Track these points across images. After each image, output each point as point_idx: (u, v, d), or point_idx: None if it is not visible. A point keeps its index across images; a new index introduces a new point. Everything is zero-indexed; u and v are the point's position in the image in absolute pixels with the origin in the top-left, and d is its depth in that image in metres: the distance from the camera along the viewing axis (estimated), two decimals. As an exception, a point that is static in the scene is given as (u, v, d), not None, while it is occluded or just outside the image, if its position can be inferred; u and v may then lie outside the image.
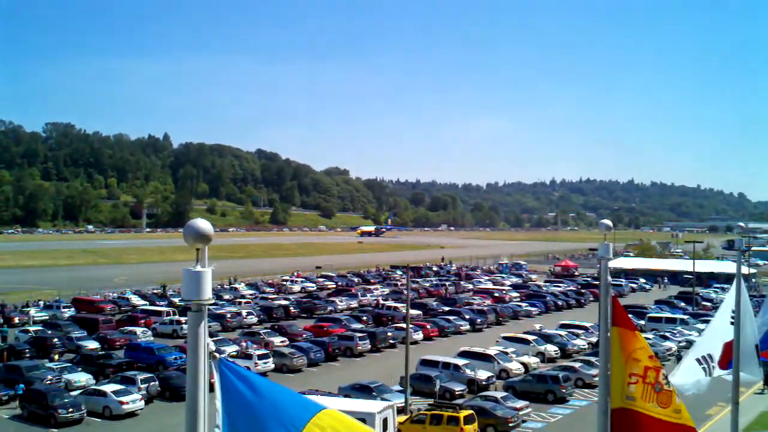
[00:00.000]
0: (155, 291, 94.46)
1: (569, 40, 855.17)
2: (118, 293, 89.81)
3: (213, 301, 5.84)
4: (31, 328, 63.73)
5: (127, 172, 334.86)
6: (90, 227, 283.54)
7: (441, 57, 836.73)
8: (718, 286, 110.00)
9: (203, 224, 5.71)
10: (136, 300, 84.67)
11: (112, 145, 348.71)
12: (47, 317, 72.02)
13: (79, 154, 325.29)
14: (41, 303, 79.78)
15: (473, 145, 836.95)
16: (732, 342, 16.26)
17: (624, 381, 9.59)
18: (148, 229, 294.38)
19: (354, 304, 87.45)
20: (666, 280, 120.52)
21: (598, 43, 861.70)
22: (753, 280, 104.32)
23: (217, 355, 5.86)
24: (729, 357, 16.42)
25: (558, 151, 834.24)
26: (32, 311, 73.40)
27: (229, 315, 72.29)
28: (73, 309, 77.61)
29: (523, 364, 54.68)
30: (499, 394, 44.14)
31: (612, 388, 9.65)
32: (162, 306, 78.72)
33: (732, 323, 16.51)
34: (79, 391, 44.47)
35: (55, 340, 58.98)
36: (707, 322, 74.59)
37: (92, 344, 59.68)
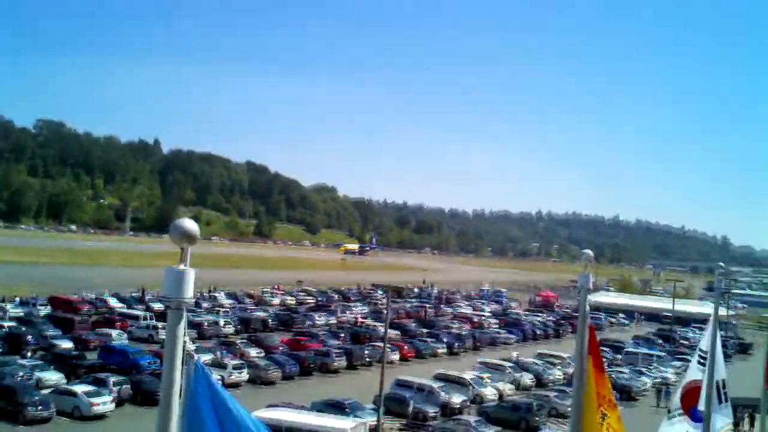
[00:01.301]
0: (134, 294, 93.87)
1: (563, 75, 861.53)
2: (96, 294, 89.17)
3: (193, 301, 5.83)
4: (5, 324, 63.07)
5: (115, 174, 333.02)
6: (73, 226, 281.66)
7: (435, 79, 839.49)
8: (696, 326, 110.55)
9: (189, 224, 5.72)
10: (113, 302, 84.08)
11: (102, 146, 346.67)
12: (22, 314, 71.27)
13: (68, 152, 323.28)
14: (17, 299, 79.06)
15: (462, 172, 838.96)
16: (690, 383, 16.30)
17: (595, 416, 9.64)
18: (131, 233, 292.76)
19: (333, 320, 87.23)
20: (642, 317, 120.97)
21: (590, 78, 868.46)
22: (732, 322, 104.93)
23: (195, 355, 5.83)
24: (691, 401, 16.35)
25: (545, 183, 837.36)
26: (9, 307, 72.73)
27: (206, 323, 71.97)
28: (49, 307, 76.99)
29: (497, 390, 54.72)
30: (472, 419, 44.16)
31: (590, 416, 9.70)
32: (139, 310, 78.23)
33: (700, 363, 16.48)
34: (49, 390, 44.08)
35: (29, 337, 58.42)
36: (684, 360, 75.26)
37: (66, 344, 59.12)
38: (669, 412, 17.14)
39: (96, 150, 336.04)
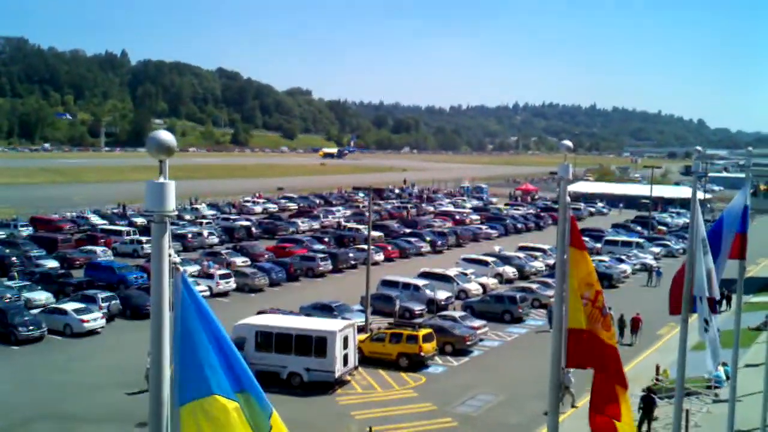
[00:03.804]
0: (114, 210, 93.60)
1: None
2: (77, 212, 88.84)
3: (176, 213, 5.83)
4: (-12, 247, 62.88)
5: (84, 90, 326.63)
6: (47, 145, 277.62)
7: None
8: (673, 210, 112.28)
9: (166, 135, 5.66)
10: (95, 219, 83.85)
11: (68, 61, 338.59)
12: (4, 236, 71.03)
13: (33, 70, 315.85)
14: (-2, 222, 78.70)
15: (437, 68, 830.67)
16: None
17: (579, 302, 9.79)
18: (106, 148, 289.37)
19: (316, 225, 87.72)
20: (621, 204, 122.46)
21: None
22: (708, 205, 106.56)
23: (180, 268, 5.86)
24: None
25: (521, 75, 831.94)
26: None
27: (190, 235, 72.17)
28: (31, 228, 76.73)
29: (481, 285, 55.69)
30: (458, 314, 45.09)
31: (574, 307, 9.84)
32: (122, 225, 78.17)
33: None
34: (39, 310, 44.42)
35: (14, 258, 58.46)
36: (663, 245, 76.43)
37: (51, 263, 59.29)
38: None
39: (62, 66, 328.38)
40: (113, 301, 46.00)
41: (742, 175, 22.26)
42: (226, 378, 5.92)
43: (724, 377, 33.13)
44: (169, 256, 5.65)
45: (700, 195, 16.71)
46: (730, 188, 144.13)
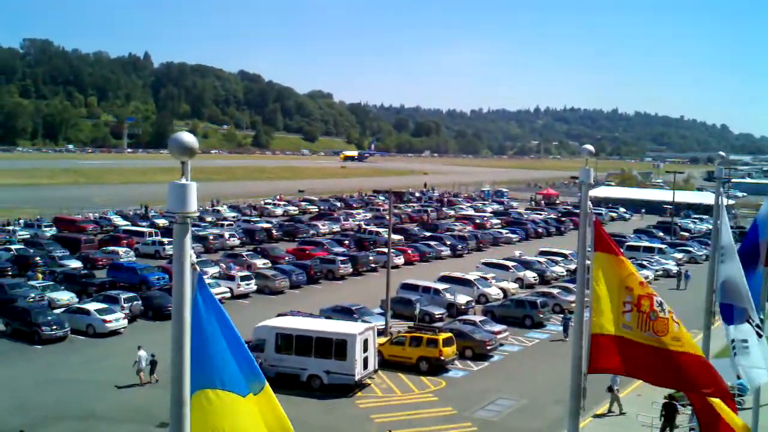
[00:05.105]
0: (137, 212, 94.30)
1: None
2: (100, 213, 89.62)
3: (197, 214, 5.89)
4: (14, 247, 63.54)
5: (108, 91, 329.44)
6: (70, 146, 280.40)
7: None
8: (696, 216, 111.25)
9: (188, 137, 5.72)
10: (117, 220, 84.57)
11: (92, 63, 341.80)
12: (28, 236, 71.81)
13: (58, 71, 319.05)
14: (22, 221, 79.48)
15: (459, 71, 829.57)
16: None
17: (619, 308, 9.57)
18: (129, 150, 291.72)
19: (336, 228, 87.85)
20: (643, 210, 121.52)
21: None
22: (732, 211, 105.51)
23: (198, 267, 5.95)
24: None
25: (543, 79, 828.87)
26: (17, 229, 73.30)
27: (211, 237, 72.54)
28: (54, 228, 77.49)
29: (502, 289, 55.48)
30: (478, 318, 44.95)
31: (602, 314, 9.65)
32: (144, 227, 78.73)
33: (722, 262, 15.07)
34: (62, 310, 44.81)
35: (38, 258, 59.03)
36: (686, 251, 75.60)
37: (75, 263, 59.84)
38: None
39: (86, 67, 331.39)
40: (135, 302, 46.30)
41: (766, 181, 21.95)
42: (239, 371, 6.27)
43: (747, 385, 32.77)
44: (190, 257, 5.74)
45: (723, 201, 16.46)
46: (753, 194, 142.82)
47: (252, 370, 6.35)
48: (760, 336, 14.24)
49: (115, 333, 42.67)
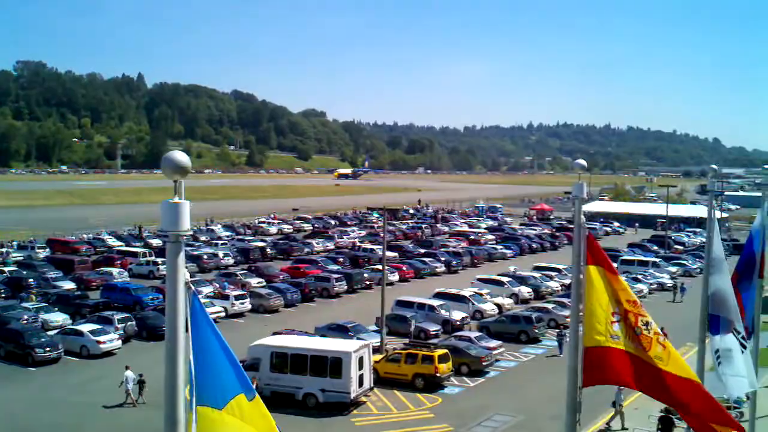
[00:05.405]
0: (131, 232, 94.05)
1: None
2: (94, 234, 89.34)
3: (190, 233, 5.89)
4: (6, 269, 63.28)
5: (101, 113, 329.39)
6: (64, 168, 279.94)
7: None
8: (690, 230, 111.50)
9: (181, 156, 5.74)
10: (111, 241, 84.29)
11: (86, 84, 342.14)
12: (22, 258, 71.53)
13: (51, 93, 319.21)
14: (15, 243, 79.20)
15: (452, 88, 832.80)
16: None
17: (607, 319, 9.59)
18: (123, 170, 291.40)
19: (330, 246, 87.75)
20: (637, 224, 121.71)
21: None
22: (726, 224, 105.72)
23: (192, 286, 5.94)
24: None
25: (535, 95, 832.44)
26: (10, 251, 73.04)
27: (205, 256, 72.38)
28: (47, 249, 77.19)
29: (497, 305, 55.44)
30: (473, 334, 44.87)
31: (595, 326, 9.65)
32: (138, 247, 78.51)
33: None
34: (55, 331, 44.58)
35: (31, 280, 58.76)
36: (680, 264, 75.76)
37: (68, 284, 59.58)
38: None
39: (79, 89, 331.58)
40: (129, 323, 46.08)
41: (759, 194, 22.11)
42: (237, 380, 6.33)
43: (744, 398, 32.71)
44: (183, 276, 5.74)
45: (716, 214, 16.51)
46: (746, 207, 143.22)
47: (246, 386, 6.40)
48: (744, 347, 14.57)
49: (109, 354, 42.43)
